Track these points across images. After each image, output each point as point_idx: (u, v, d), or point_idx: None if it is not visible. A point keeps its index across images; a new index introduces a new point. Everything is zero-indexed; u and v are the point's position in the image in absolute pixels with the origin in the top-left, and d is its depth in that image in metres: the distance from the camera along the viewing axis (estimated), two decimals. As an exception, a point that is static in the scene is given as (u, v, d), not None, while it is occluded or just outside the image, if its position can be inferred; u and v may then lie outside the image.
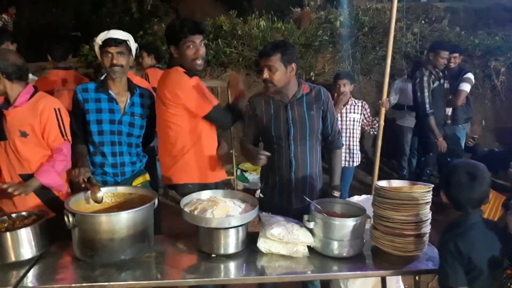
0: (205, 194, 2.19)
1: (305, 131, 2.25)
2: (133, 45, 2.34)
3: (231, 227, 1.89)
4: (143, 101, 2.45)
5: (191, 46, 2.23)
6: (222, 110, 2.39)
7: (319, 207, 2.02)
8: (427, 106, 4.19)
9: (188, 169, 2.37)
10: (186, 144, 2.34)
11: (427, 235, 1.95)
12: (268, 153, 2.13)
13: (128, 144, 2.42)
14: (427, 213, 1.92)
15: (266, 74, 2.16)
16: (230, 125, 2.51)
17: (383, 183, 2.03)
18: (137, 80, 3.38)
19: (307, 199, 2.08)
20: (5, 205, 2.24)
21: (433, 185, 1.93)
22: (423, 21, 6.78)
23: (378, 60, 6.14)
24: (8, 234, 1.83)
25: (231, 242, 1.93)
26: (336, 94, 3.71)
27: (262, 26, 6.17)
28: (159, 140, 2.47)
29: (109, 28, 2.36)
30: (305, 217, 1.98)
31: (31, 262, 1.88)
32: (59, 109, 2.23)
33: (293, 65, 2.18)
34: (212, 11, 8.38)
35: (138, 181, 2.50)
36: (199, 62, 2.26)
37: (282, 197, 2.32)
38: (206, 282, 1.84)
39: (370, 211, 2.03)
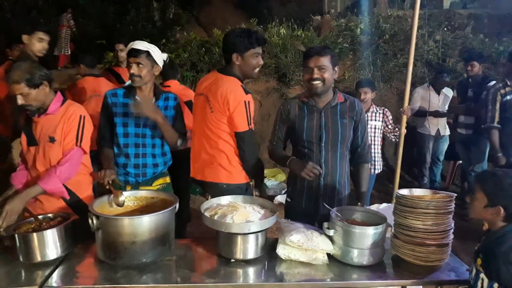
0: (225, 199, 2.21)
1: (337, 138, 2.28)
2: (158, 56, 2.40)
3: (250, 233, 1.90)
4: (167, 103, 2.52)
5: (256, 56, 2.37)
6: (253, 138, 2.42)
7: (339, 214, 2.01)
8: (488, 118, 3.89)
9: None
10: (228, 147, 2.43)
11: (450, 245, 1.91)
12: (320, 169, 2.18)
13: (152, 145, 2.49)
14: (449, 222, 1.89)
15: (317, 74, 2.21)
16: (249, 156, 2.42)
17: (404, 192, 2.01)
18: (181, 88, 3.72)
19: (327, 206, 2.07)
20: (33, 206, 2.29)
21: (455, 194, 1.90)
22: (445, 28, 6.71)
23: (399, 67, 6.09)
24: (34, 234, 1.89)
25: (250, 248, 1.93)
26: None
27: (282, 33, 6.22)
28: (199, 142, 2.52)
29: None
30: (325, 224, 1.98)
31: (56, 263, 1.93)
32: (84, 117, 2.29)
33: (337, 68, 2.29)
34: (233, 19, 8.49)
35: (158, 182, 2.55)
36: (256, 71, 2.43)
37: (310, 202, 2.33)
38: (226, 286, 1.85)
39: (391, 219, 2.01)
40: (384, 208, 2.74)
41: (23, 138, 2.34)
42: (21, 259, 1.91)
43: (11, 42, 4.20)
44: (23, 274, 1.88)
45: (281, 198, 4.58)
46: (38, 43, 3.19)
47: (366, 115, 3.74)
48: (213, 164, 2.44)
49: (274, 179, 5.33)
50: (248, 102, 2.34)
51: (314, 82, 2.22)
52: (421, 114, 4.95)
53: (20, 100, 2.14)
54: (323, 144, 2.28)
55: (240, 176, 2.48)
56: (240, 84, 2.37)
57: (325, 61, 2.21)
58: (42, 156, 2.26)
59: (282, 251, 1.95)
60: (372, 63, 6.10)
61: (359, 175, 2.46)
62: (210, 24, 8.99)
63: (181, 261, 1.99)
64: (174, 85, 3.75)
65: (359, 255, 1.89)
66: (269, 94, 6.00)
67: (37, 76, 2.14)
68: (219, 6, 10.54)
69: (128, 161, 2.46)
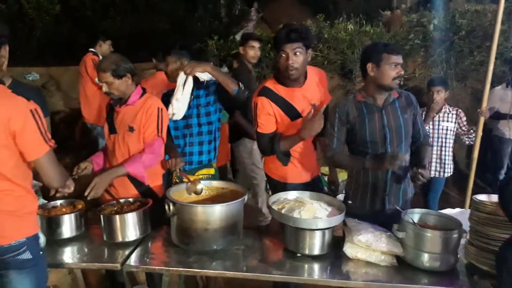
0: (292, 194, 2.24)
1: (401, 135, 2.21)
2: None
3: (318, 229, 1.92)
4: (207, 91, 2.60)
5: (283, 55, 2.26)
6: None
7: (410, 217, 1.96)
8: None
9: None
10: None
11: (532, 257, 1.79)
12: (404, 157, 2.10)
13: (199, 134, 2.60)
14: (533, 233, 1.77)
15: (402, 71, 2.16)
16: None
17: (483, 197, 1.91)
18: None
19: (398, 208, 2.03)
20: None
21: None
22: (530, 24, 6.16)
23: (475, 65, 5.71)
24: (117, 217, 2.06)
25: (317, 244, 1.95)
26: (429, 101, 3.54)
27: (349, 29, 6.09)
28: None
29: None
30: (395, 226, 1.93)
31: (134, 244, 2.09)
32: (161, 109, 2.41)
33: None
34: (298, 15, 8.44)
35: (201, 172, 2.64)
36: (290, 72, 2.25)
37: (375, 203, 2.27)
38: (291, 280, 1.89)
39: (465, 225, 1.92)
40: (456, 213, 2.62)
41: (106, 126, 2.53)
42: (105, 238, 2.09)
43: None
44: (106, 252, 2.06)
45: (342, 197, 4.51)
46: (250, 51, 3.65)
47: (437, 116, 3.59)
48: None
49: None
50: (256, 103, 2.41)
51: (398, 80, 2.16)
52: (499, 116, 4.61)
53: (104, 88, 2.33)
54: (388, 143, 2.20)
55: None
56: (267, 83, 2.44)
57: None
58: (121, 144, 2.42)
59: (349, 249, 1.94)
60: (445, 61, 5.77)
61: (420, 150, 2.31)
62: (275, 21, 8.99)
63: (249, 251, 2.06)
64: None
65: (431, 259, 1.84)
66: (333, 91, 5.91)
67: (122, 68, 2.31)
68: (283, 2, 10.50)
69: (179, 150, 2.60)
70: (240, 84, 2.43)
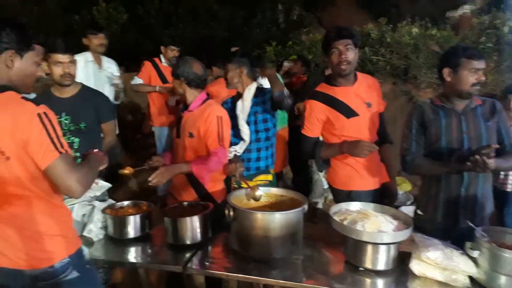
0: (355, 206, 2.16)
1: (481, 143, 2.04)
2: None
3: (382, 243, 1.83)
4: (263, 98, 2.63)
5: (336, 52, 2.31)
6: None
7: (485, 235, 1.81)
8: None
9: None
10: None
11: None
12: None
13: (256, 141, 2.63)
14: None
15: (483, 77, 2.04)
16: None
17: None
18: None
19: (471, 224, 1.88)
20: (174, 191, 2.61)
21: None
22: None
23: (557, 70, 5.23)
24: (180, 219, 2.10)
25: (381, 258, 1.86)
26: (505, 109, 3.26)
27: (414, 33, 5.84)
28: None
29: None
30: (468, 244, 1.80)
31: (196, 247, 2.11)
32: (221, 117, 2.42)
33: None
34: (358, 19, 8.24)
35: (259, 178, 2.65)
36: (343, 66, 2.31)
37: (448, 215, 2.14)
38: (353, 294, 1.82)
39: (550, 247, 1.74)
40: (538, 233, 2.38)
41: (174, 130, 2.63)
42: (167, 240, 2.15)
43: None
44: (168, 254, 2.11)
45: (406, 210, 4.30)
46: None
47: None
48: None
49: (399, 188, 5.01)
50: (306, 104, 2.57)
51: (478, 86, 2.03)
52: None
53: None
54: (465, 151, 2.04)
55: None
56: (319, 86, 2.53)
57: None
58: (183, 149, 2.50)
59: (416, 266, 1.83)
60: (521, 66, 5.35)
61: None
62: (333, 25, 8.87)
63: (308, 261, 2.01)
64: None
65: (509, 282, 1.68)
66: (396, 97, 5.69)
67: (180, 69, 2.42)
68: (342, 7, 10.33)
69: None
70: (286, 90, 2.52)
